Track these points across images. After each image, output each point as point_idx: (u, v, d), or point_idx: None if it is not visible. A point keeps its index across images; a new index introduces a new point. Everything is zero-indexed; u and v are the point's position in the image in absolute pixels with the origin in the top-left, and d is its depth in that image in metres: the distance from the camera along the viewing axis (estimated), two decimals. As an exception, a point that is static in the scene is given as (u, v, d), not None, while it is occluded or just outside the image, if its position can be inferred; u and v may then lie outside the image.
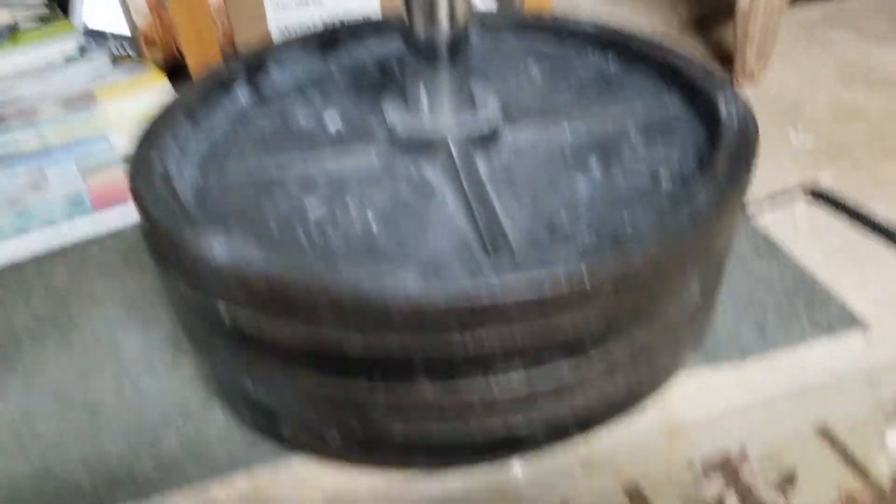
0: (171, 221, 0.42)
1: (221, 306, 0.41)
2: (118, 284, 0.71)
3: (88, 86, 0.80)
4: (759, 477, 0.53)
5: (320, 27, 0.63)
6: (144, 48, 0.91)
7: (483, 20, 0.64)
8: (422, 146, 0.50)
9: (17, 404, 0.60)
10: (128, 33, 0.91)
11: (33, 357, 0.64)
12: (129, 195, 0.46)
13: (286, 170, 0.51)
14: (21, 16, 0.91)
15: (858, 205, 0.72)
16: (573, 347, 0.43)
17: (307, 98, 0.60)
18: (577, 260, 0.38)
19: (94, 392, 0.61)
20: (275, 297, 0.38)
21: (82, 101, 0.77)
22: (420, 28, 0.49)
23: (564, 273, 0.37)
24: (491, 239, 0.43)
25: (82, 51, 0.86)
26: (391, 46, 0.63)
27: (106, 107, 0.77)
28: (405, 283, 0.37)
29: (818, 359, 0.60)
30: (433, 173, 0.50)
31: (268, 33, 0.85)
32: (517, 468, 0.54)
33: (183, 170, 0.50)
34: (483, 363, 0.42)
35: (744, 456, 0.54)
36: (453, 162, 0.48)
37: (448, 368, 0.42)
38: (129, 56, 0.86)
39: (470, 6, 0.50)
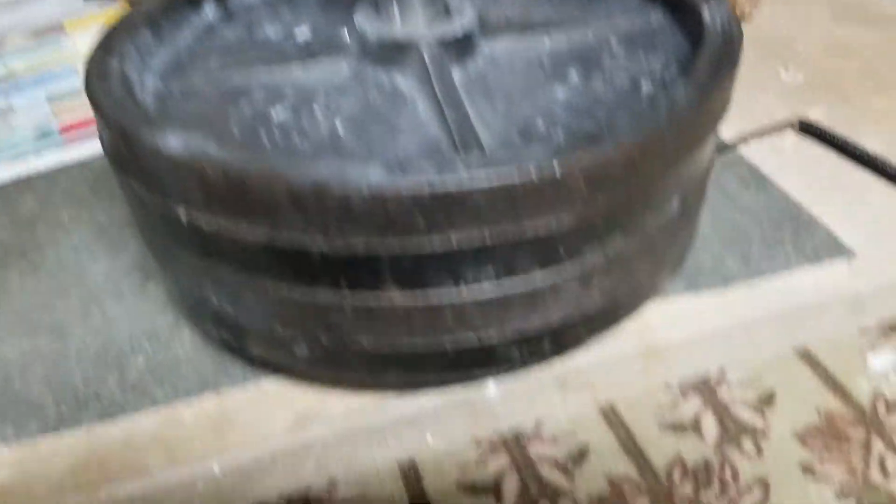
0: (126, 117, 0.40)
1: (179, 206, 0.40)
2: (86, 213, 0.69)
3: (59, 18, 0.78)
4: (737, 398, 0.52)
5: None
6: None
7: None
8: (393, 53, 0.48)
9: (-21, 326, 0.59)
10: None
11: (-3, 281, 0.63)
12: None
13: (252, 79, 0.49)
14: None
15: (847, 138, 0.71)
16: (547, 254, 0.41)
17: (276, 9, 0.57)
18: (549, 154, 0.36)
19: (59, 316, 0.59)
20: (232, 191, 0.37)
21: (52, 33, 0.75)
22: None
23: (535, 162, 0.35)
24: (463, 141, 0.41)
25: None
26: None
27: (75, 39, 0.75)
28: (368, 174, 0.35)
29: (802, 285, 0.59)
30: (405, 81, 0.48)
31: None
32: (491, 387, 0.53)
33: (143, 77, 0.48)
34: (453, 269, 0.41)
35: (722, 378, 0.53)
36: (426, 68, 0.46)
37: (417, 274, 0.40)
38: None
39: None
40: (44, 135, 0.74)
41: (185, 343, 0.57)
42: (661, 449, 0.49)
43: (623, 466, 0.48)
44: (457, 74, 0.47)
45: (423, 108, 0.46)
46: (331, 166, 0.36)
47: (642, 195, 0.42)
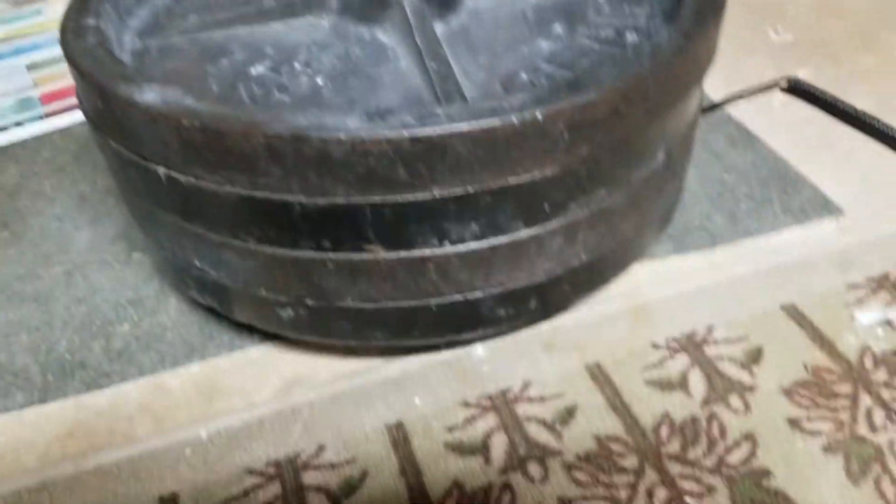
0: (102, 72, 0.40)
1: (157, 162, 0.39)
2: (69, 182, 0.68)
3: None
4: (724, 355, 0.52)
5: None
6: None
7: None
8: (375, 7, 0.48)
9: (-38, 296, 0.58)
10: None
11: (-21, 251, 0.62)
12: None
13: (232, 37, 0.48)
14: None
15: (836, 97, 0.70)
16: (531, 208, 0.41)
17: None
18: (531, 102, 0.36)
19: (44, 286, 0.59)
20: (209, 143, 0.36)
21: (32, 1, 0.74)
22: None
23: (516, 109, 0.35)
24: (445, 94, 0.41)
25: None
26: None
27: (56, 7, 0.74)
28: (346, 123, 0.34)
29: (790, 243, 0.59)
30: (386, 36, 0.47)
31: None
32: (478, 348, 0.53)
33: (121, 35, 0.48)
34: (436, 223, 0.40)
35: (710, 335, 0.53)
36: (408, 22, 0.46)
37: (399, 229, 0.40)
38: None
39: None
40: (25, 104, 0.73)
41: (171, 310, 0.57)
42: (648, 407, 0.49)
43: (611, 425, 0.48)
44: (439, 28, 0.47)
45: (405, 62, 0.45)
46: (309, 116, 0.35)
47: (627, 146, 0.41)
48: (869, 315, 0.54)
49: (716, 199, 0.62)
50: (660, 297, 0.55)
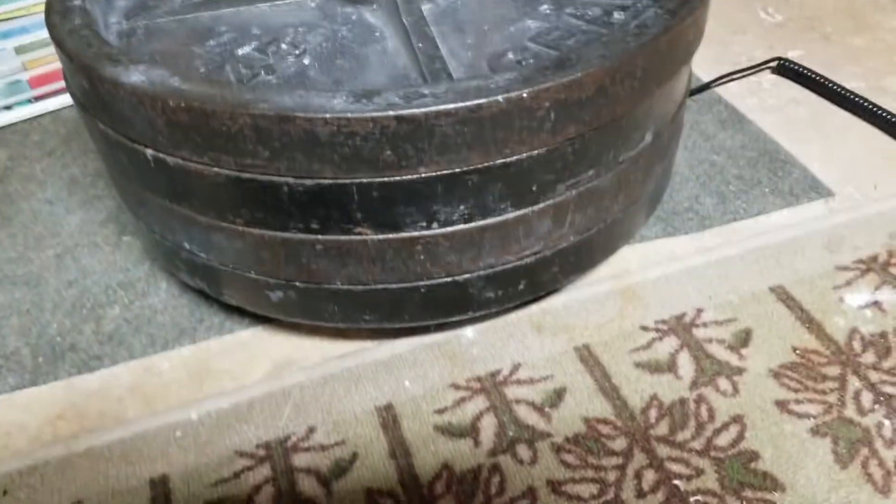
0: (88, 52, 0.39)
1: (144, 143, 0.39)
2: (59, 165, 0.68)
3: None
4: (713, 337, 0.52)
5: None
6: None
7: None
8: (362, -12, 0.47)
9: (-49, 278, 0.58)
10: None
11: (-32, 234, 0.62)
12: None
13: (218, 17, 0.48)
14: None
15: (826, 78, 0.70)
16: (518, 188, 0.41)
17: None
18: (517, 80, 0.36)
19: (34, 269, 0.59)
20: (195, 123, 0.36)
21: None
22: None
23: (502, 88, 0.35)
24: (432, 73, 0.41)
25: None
26: None
27: (45, -12, 0.72)
28: (333, 103, 0.34)
29: (779, 224, 0.59)
30: (373, 16, 0.47)
31: None
32: (468, 330, 0.53)
33: (107, 16, 0.47)
34: (424, 204, 0.40)
35: (698, 318, 0.53)
36: (394, 2, 0.46)
37: (387, 210, 0.40)
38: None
39: None
40: (14, 87, 0.72)
41: (162, 293, 0.56)
42: (637, 389, 0.49)
43: (599, 407, 0.48)
44: (426, 8, 0.47)
45: (392, 42, 0.45)
46: (295, 96, 0.35)
47: (614, 126, 0.41)
48: (858, 297, 0.54)
49: (705, 181, 0.62)
50: (649, 280, 0.56)
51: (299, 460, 0.47)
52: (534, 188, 0.41)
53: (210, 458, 0.47)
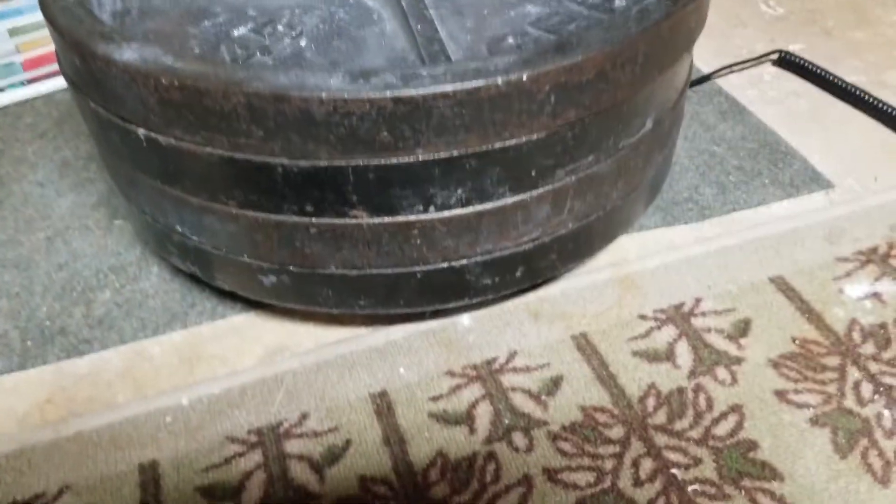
0: (80, 30, 0.39)
1: (136, 122, 0.38)
2: (51, 148, 0.67)
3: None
4: (712, 327, 0.52)
5: None
6: None
7: None
8: (360, -31, 0.47)
9: (-60, 260, 0.57)
10: None
11: (-42, 216, 0.61)
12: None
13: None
14: None
15: (826, 70, 0.70)
16: (518, 175, 0.40)
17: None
18: (516, 63, 0.35)
19: (24, 251, 0.58)
20: (188, 101, 0.35)
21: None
22: None
23: (502, 70, 0.34)
24: (430, 56, 0.40)
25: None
26: None
27: (38, -31, 0.71)
28: (329, 82, 0.34)
29: (779, 215, 0.58)
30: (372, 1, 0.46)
31: None
32: (464, 317, 0.52)
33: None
34: (421, 187, 0.39)
35: (697, 307, 0.53)
36: (393, -16, 0.45)
37: (383, 193, 0.39)
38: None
39: None
40: (7, 70, 0.71)
41: (153, 277, 0.56)
42: (634, 378, 0.49)
43: (597, 396, 0.48)
44: (426, -9, 0.46)
45: (390, 25, 0.44)
46: (290, 75, 0.34)
47: (614, 111, 0.41)
48: (857, 288, 0.54)
49: (705, 171, 0.61)
50: (647, 269, 0.55)
51: (291, 447, 0.46)
52: (533, 173, 0.40)
53: (201, 444, 0.46)
